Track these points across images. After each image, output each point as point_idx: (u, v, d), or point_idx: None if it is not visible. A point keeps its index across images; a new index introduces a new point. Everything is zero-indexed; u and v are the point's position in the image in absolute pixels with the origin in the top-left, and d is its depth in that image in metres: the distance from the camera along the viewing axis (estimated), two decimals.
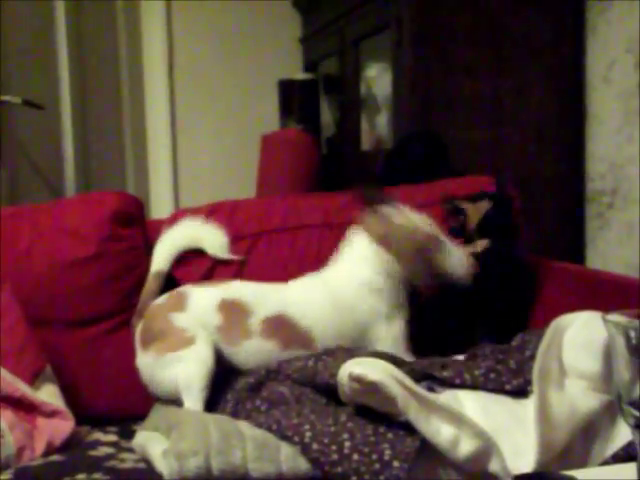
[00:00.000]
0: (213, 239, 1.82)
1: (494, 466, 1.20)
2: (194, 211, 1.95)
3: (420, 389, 1.27)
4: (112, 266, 1.78)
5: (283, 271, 1.84)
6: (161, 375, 1.57)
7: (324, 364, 1.48)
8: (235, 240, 1.88)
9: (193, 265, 1.84)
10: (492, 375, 1.38)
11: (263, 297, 1.66)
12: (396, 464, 1.19)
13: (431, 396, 1.27)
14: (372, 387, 1.24)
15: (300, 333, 1.65)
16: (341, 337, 1.66)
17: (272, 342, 1.62)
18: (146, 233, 1.87)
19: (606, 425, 1.26)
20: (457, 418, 1.22)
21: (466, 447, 1.19)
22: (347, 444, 1.24)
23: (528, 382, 1.36)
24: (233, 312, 1.63)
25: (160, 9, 3.37)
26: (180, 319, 1.60)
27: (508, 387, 1.37)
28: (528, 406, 1.31)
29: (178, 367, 1.55)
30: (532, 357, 1.40)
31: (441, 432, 1.20)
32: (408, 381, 1.25)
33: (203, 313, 1.62)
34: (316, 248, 1.89)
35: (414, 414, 1.22)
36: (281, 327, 1.64)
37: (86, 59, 2.88)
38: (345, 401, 1.34)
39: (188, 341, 1.56)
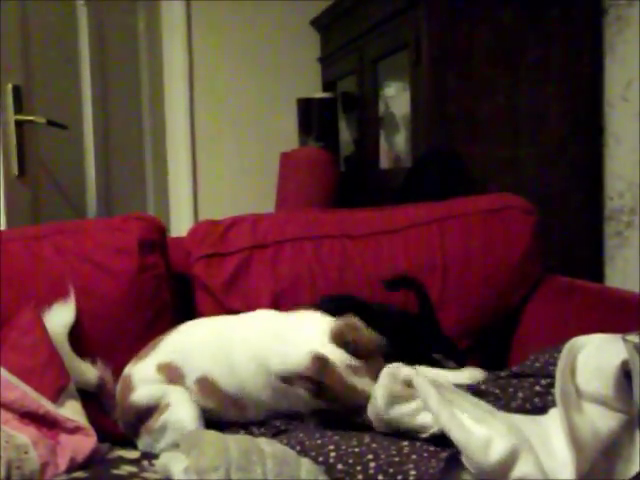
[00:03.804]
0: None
1: (525, 467, 1.20)
2: (216, 223, 1.98)
3: (453, 386, 1.31)
4: (138, 298, 1.79)
5: (309, 278, 1.88)
6: (162, 444, 1.59)
7: None
8: (259, 248, 1.90)
9: (219, 270, 1.89)
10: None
11: (190, 356, 1.63)
12: None
13: (463, 393, 1.30)
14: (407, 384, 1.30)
15: (228, 398, 1.59)
16: (265, 407, 1.58)
17: (210, 402, 1.61)
18: (167, 256, 1.89)
19: (626, 445, 1.26)
20: (489, 418, 1.24)
21: (499, 447, 1.20)
22: (372, 464, 1.24)
23: (527, 399, 1.36)
24: (171, 374, 1.63)
25: (181, 28, 3.41)
26: (139, 397, 1.62)
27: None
28: (546, 424, 1.31)
29: (169, 430, 1.58)
30: (533, 375, 1.42)
31: (474, 432, 1.21)
32: (440, 380, 1.31)
33: (150, 380, 1.63)
34: (339, 256, 1.92)
35: (446, 416, 1.24)
36: (210, 390, 1.60)
37: (108, 80, 2.92)
38: (374, 420, 1.35)
39: (165, 407, 1.59)
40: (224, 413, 1.61)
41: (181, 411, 1.58)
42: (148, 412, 1.61)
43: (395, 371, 1.34)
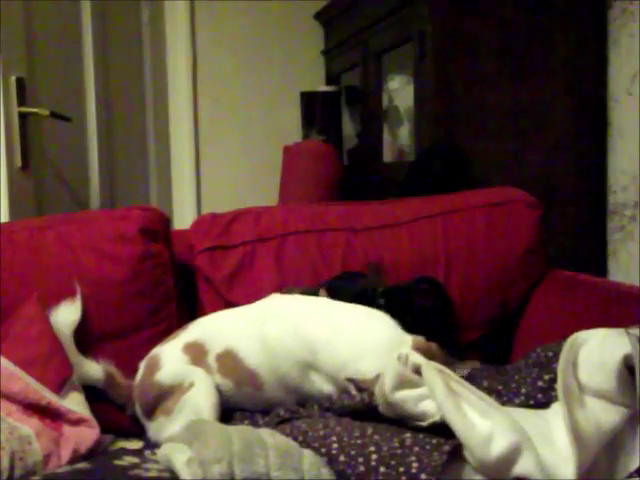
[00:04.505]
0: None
1: (526, 464, 1.20)
2: (219, 216, 1.98)
3: (458, 377, 1.31)
4: (141, 285, 1.80)
5: (313, 271, 1.88)
6: (176, 426, 1.58)
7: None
8: (262, 241, 1.91)
9: (222, 262, 1.89)
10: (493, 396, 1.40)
11: (216, 332, 1.66)
12: (423, 477, 1.20)
13: (468, 385, 1.31)
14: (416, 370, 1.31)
15: (247, 373, 1.62)
16: (286, 385, 1.61)
17: (227, 380, 1.63)
18: (171, 246, 1.89)
19: (629, 439, 1.26)
20: (493, 412, 1.24)
21: (500, 443, 1.20)
22: (374, 456, 1.24)
23: (530, 395, 1.36)
24: (195, 352, 1.65)
25: (184, 23, 3.42)
26: (164, 376, 1.63)
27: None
28: (549, 418, 1.31)
29: (186, 410, 1.59)
30: (535, 365, 1.42)
31: (476, 426, 1.22)
32: (448, 370, 1.31)
33: (176, 360, 1.65)
34: (342, 250, 1.92)
35: (450, 407, 1.24)
36: (230, 364, 1.63)
37: (112, 72, 2.91)
38: (380, 401, 1.35)
39: (187, 388, 1.61)
40: (239, 390, 1.62)
41: (203, 393, 1.60)
42: (169, 392, 1.62)
43: (407, 355, 1.34)
